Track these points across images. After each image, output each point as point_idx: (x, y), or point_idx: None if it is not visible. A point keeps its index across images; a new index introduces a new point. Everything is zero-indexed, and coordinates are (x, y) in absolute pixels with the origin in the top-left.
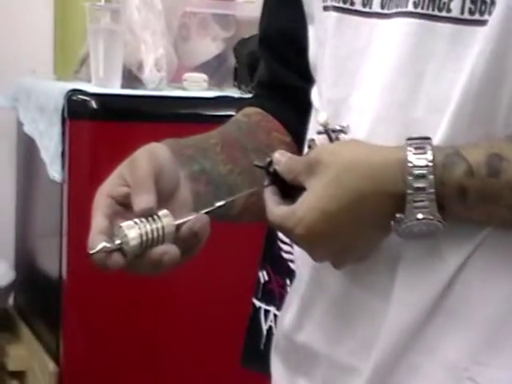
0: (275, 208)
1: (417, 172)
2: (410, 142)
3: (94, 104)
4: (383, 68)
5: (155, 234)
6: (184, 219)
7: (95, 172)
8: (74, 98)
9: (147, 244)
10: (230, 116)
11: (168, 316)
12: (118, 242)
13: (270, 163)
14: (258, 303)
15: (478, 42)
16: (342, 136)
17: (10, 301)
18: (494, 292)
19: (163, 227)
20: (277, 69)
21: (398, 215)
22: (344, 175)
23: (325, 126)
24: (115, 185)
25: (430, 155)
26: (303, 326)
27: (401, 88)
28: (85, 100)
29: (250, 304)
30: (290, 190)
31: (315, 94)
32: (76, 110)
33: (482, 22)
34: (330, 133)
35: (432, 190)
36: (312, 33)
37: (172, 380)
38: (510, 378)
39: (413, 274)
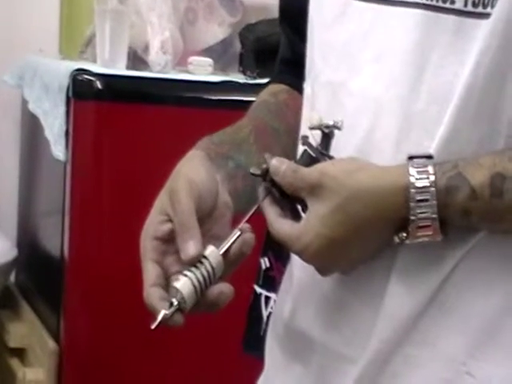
0: (278, 223)
1: (419, 197)
2: (412, 163)
3: (98, 84)
4: (385, 57)
5: (206, 277)
6: (227, 244)
7: (98, 152)
8: (79, 77)
9: (201, 290)
10: (234, 101)
11: None
12: (175, 303)
13: (267, 171)
14: (258, 290)
15: (481, 35)
16: (335, 132)
17: (12, 278)
18: (490, 289)
19: (212, 265)
20: (299, 44)
21: (401, 234)
22: (349, 203)
23: (319, 126)
24: (158, 223)
25: (432, 177)
26: (299, 314)
27: (402, 79)
28: (90, 80)
29: (251, 290)
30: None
31: (307, 80)
32: (81, 89)
33: (485, 15)
34: (323, 128)
35: (435, 216)
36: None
37: (173, 361)
38: (507, 373)
39: (409, 268)
